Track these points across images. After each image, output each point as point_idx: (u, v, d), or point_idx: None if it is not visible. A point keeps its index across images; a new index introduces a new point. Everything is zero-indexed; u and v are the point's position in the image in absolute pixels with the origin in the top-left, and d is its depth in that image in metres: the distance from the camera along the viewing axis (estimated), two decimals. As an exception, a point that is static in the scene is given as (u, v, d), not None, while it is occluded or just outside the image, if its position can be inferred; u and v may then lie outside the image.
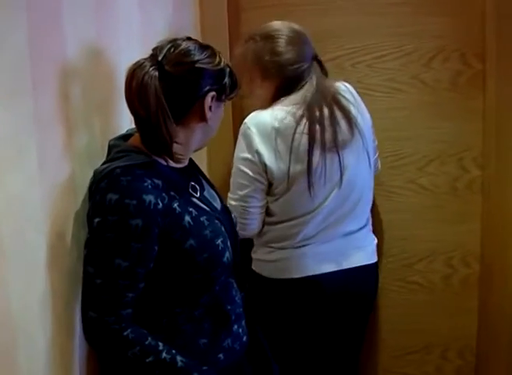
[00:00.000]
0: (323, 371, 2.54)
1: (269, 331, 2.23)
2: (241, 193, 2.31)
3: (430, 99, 2.74)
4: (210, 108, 1.66)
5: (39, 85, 1.44)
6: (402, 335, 2.94)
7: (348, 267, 2.40)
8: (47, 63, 1.49)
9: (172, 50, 1.61)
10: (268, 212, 2.37)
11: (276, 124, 2.24)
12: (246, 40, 2.33)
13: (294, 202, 2.31)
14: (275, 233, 2.38)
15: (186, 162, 1.76)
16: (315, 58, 2.34)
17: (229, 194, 2.35)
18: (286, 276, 2.38)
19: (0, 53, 1.28)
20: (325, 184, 2.28)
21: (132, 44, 2.00)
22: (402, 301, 2.91)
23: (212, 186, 1.90)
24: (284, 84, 2.29)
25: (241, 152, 2.29)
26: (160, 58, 1.60)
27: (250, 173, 2.28)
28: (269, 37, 2.27)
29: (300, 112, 2.24)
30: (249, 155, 2.27)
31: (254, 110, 2.34)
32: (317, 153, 2.24)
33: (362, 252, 2.46)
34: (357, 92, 2.43)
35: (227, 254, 1.68)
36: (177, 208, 1.60)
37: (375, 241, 2.55)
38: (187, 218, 1.61)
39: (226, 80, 1.68)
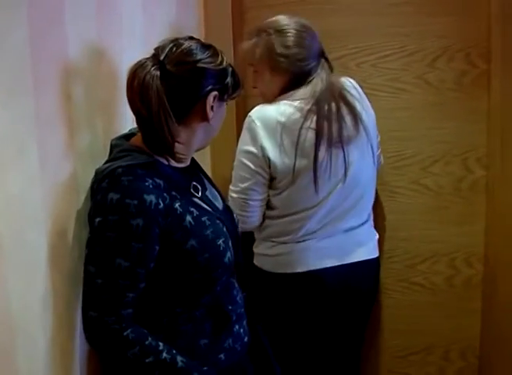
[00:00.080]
0: (324, 367, 2.54)
1: (271, 326, 2.24)
2: (242, 185, 2.31)
3: (434, 99, 2.73)
4: (212, 107, 1.65)
5: (40, 85, 1.44)
6: (404, 336, 2.93)
7: (349, 262, 2.41)
8: (48, 62, 1.49)
9: (174, 49, 1.61)
10: (269, 206, 2.38)
11: (282, 119, 2.24)
12: (256, 33, 2.31)
13: (297, 197, 2.31)
14: (277, 227, 2.38)
15: (188, 162, 1.76)
16: (322, 54, 2.34)
17: (231, 187, 2.36)
18: (287, 271, 2.38)
19: (0, 52, 1.28)
20: (330, 179, 2.28)
21: (134, 44, 1.99)
22: (405, 301, 2.91)
23: (214, 185, 1.89)
24: (293, 78, 2.29)
25: (245, 145, 2.30)
26: (162, 57, 1.59)
27: (252, 166, 2.28)
28: (281, 31, 2.26)
29: (308, 107, 2.24)
30: (252, 149, 2.27)
31: (257, 104, 2.35)
32: (323, 148, 2.24)
33: (363, 247, 2.47)
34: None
35: (228, 254, 1.68)
36: (178, 208, 1.60)
37: (377, 236, 2.56)
38: (188, 218, 1.61)
39: (229, 79, 1.68)
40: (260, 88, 2.39)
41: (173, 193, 1.61)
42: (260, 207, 2.36)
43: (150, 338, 1.57)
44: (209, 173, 2.73)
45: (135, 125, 1.70)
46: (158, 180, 1.59)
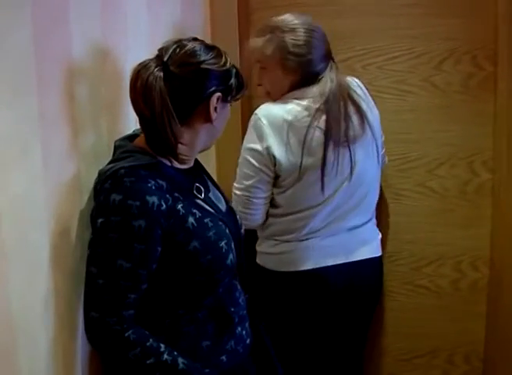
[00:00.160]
0: (327, 368, 2.54)
1: (273, 325, 2.24)
2: (246, 183, 2.31)
3: (441, 102, 2.72)
4: (215, 109, 1.65)
5: (44, 84, 1.43)
6: (409, 339, 2.92)
7: (353, 260, 2.41)
8: (52, 62, 1.49)
9: (177, 50, 1.60)
10: (273, 204, 2.38)
11: (289, 117, 2.24)
12: (268, 30, 2.29)
13: (302, 195, 2.31)
14: (280, 226, 2.38)
15: (191, 163, 1.75)
16: (330, 53, 2.34)
17: (235, 184, 2.36)
18: (290, 269, 2.38)
19: (4, 51, 1.28)
20: (336, 178, 2.29)
21: (139, 43, 1.99)
22: (409, 304, 2.90)
23: (218, 187, 1.89)
24: (303, 77, 2.29)
25: (250, 143, 2.30)
26: (165, 58, 1.59)
27: (256, 164, 2.28)
28: (293, 30, 2.26)
29: (316, 106, 2.24)
30: (258, 147, 2.27)
31: (263, 102, 2.35)
32: (331, 147, 2.24)
33: (367, 246, 2.47)
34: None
35: (231, 256, 1.67)
36: (181, 209, 1.59)
37: (380, 235, 2.56)
38: (191, 219, 1.60)
39: (232, 80, 1.67)
40: (266, 86, 2.38)
41: (176, 194, 1.60)
42: (264, 205, 2.36)
43: (151, 339, 1.56)
44: (214, 174, 2.75)
45: (139, 126, 1.70)
46: (160, 182, 1.58)
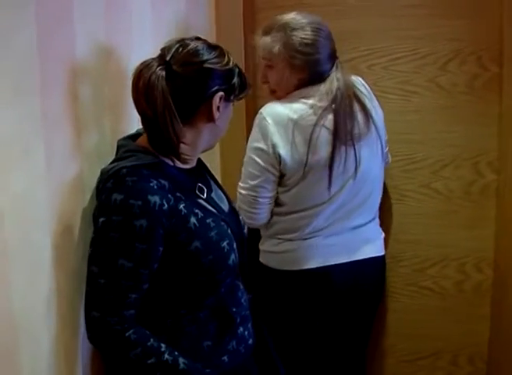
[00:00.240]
0: (330, 367, 2.54)
1: (276, 324, 2.23)
2: (252, 183, 2.31)
3: (445, 102, 2.71)
4: (218, 108, 1.64)
5: (47, 84, 1.44)
6: (412, 340, 2.91)
7: (357, 259, 2.41)
8: (56, 62, 1.49)
9: (180, 50, 1.60)
10: (277, 203, 2.38)
11: (295, 116, 2.24)
12: (275, 29, 2.29)
13: (307, 194, 2.31)
14: (284, 224, 2.38)
15: (193, 163, 1.75)
16: (335, 53, 2.34)
17: (240, 183, 2.36)
18: (293, 268, 2.38)
19: (7, 51, 1.28)
20: (342, 176, 2.29)
21: (144, 43, 1.99)
22: (413, 306, 2.89)
23: (221, 187, 1.89)
24: (310, 76, 2.28)
25: (255, 142, 2.29)
26: (168, 58, 1.58)
27: (262, 163, 2.28)
28: (301, 29, 2.25)
29: (322, 105, 2.24)
30: (263, 146, 2.26)
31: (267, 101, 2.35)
32: (337, 145, 2.25)
33: (371, 245, 2.47)
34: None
35: (233, 256, 1.67)
36: (183, 209, 1.59)
37: (383, 234, 2.56)
38: (193, 219, 1.60)
39: (235, 80, 1.67)
40: (272, 84, 2.38)
41: (178, 194, 1.60)
42: (269, 204, 2.36)
43: (152, 339, 1.56)
44: (218, 173, 2.75)
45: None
46: (162, 181, 1.58)
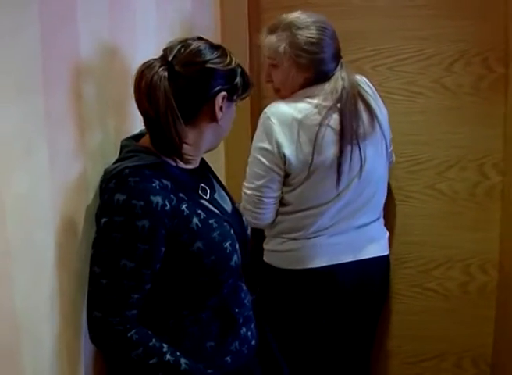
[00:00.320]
0: (334, 368, 2.53)
1: (280, 323, 2.23)
2: (257, 183, 2.31)
3: (451, 104, 2.70)
4: (221, 108, 1.64)
5: (51, 83, 1.43)
6: (416, 342, 2.91)
7: (362, 258, 2.41)
8: (59, 60, 1.48)
9: (182, 50, 1.60)
10: (282, 202, 2.37)
11: (299, 116, 2.24)
12: (280, 28, 2.28)
13: (311, 193, 2.31)
14: (289, 223, 2.38)
15: (197, 164, 1.75)
16: (340, 52, 2.34)
17: (245, 183, 2.35)
18: (297, 267, 2.38)
19: (11, 49, 1.27)
20: (347, 176, 2.28)
21: (148, 43, 1.99)
22: (417, 307, 2.88)
23: (224, 187, 1.88)
24: (315, 75, 2.28)
25: (259, 142, 2.29)
26: (170, 58, 1.58)
27: (267, 163, 2.27)
28: (306, 28, 2.25)
29: (327, 104, 2.24)
30: (267, 145, 2.26)
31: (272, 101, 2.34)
32: (342, 145, 2.24)
33: (375, 244, 2.46)
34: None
35: (235, 257, 1.66)
36: (185, 209, 1.59)
37: (387, 234, 2.56)
38: (195, 220, 1.60)
39: (238, 80, 1.66)
40: (277, 83, 2.37)
41: (180, 194, 1.60)
42: (274, 204, 2.35)
43: (154, 340, 1.56)
44: (223, 173, 2.75)
45: (144, 125, 1.69)
46: (165, 181, 1.58)
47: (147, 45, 1.96)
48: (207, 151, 1.76)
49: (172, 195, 1.57)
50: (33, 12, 1.35)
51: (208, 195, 1.73)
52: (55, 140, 1.46)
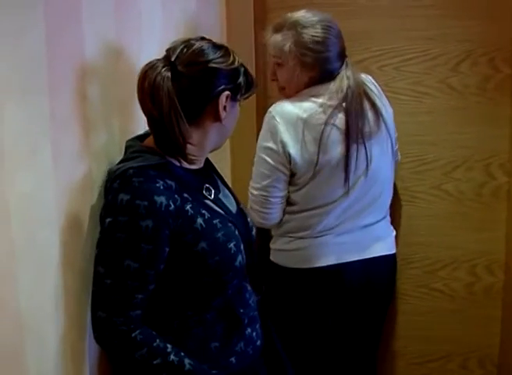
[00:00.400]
0: (340, 368, 2.53)
1: (288, 323, 2.23)
2: (263, 183, 2.31)
3: (457, 104, 2.70)
4: (224, 108, 1.64)
5: (56, 84, 1.43)
6: (422, 342, 2.91)
7: (368, 257, 2.40)
8: (64, 61, 1.48)
9: (185, 50, 1.60)
10: (289, 202, 2.37)
11: (304, 115, 2.23)
12: (286, 26, 2.28)
13: (317, 192, 2.31)
14: (295, 222, 2.38)
15: (201, 164, 1.74)
16: (345, 51, 2.34)
17: (251, 183, 2.36)
18: (304, 266, 2.38)
19: (16, 50, 1.27)
20: (353, 175, 2.28)
21: (153, 43, 1.98)
22: (423, 308, 2.88)
23: (229, 188, 1.88)
24: (320, 74, 2.28)
25: (264, 141, 2.29)
26: (173, 58, 1.58)
27: (272, 163, 2.27)
28: (312, 27, 2.25)
29: (332, 103, 2.24)
30: (272, 145, 2.26)
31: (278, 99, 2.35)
32: (348, 145, 2.24)
33: (381, 242, 2.46)
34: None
35: (240, 258, 1.66)
36: (190, 210, 1.58)
37: (394, 232, 2.56)
38: (200, 220, 1.59)
39: (241, 79, 1.66)
40: (282, 82, 2.37)
41: (185, 195, 1.60)
42: (281, 204, 2.36)
43: (158, 340, 1.56)
44: (229, 173, 2.74)
45: (149, 126, 1.69)
46: (169, 182, 1.57)
47: (152, 46, 1.95)
48: (211, 151, 1.76)
49: (176, 195, 1.56)
50: (38, 13, 1.35)
51: (213, 195, 1.72)
52: (60, 140, 1.46)
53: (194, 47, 1.60)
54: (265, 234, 2.50)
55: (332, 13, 2.38)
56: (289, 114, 2.25)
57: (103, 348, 1.60)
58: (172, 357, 1.55)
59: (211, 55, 1.60)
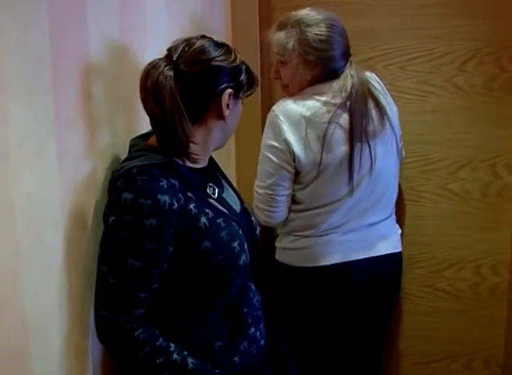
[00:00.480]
0: (345, 367, 2.53)
1: (292, 322, 2.22)
2: (268, 181, 2.31)
3: (463, 103, 2.69)
4: (228, 105, 1.64)
5: (60, 82, 1.43)
6: (427, 342, 2.90)
7: (374, 255, 2.40)
8: (69, 60, 1.48)
9: (186, 49, 1.60)
10: (294, 201, 2.37)
11: (307, 113, 2.23)
12: (289, 24, 2.27)
13: (322, 191, 2.30)
14: (301, 221, 2.37)
15: (205, 163, 1.74)
16: (349, 49, 2.33)
17: (256, 182, 2.36)
18: (309, 265, 2.37)
19: (20, 49, 1.27)
20: (358, 174, 2.28)
21: (158, 42, 1.97)
22: (428, 308, 2.88)
23: (232, 186, 1.88)
24: (323, 72, 2.27)
25: (268, 140, 2.29)
26: (175, 57, 1.58)
27: (276, 161, 2.27)
28: (315, 25, 2.24)
29: (336, 102, 2.23)
30: (276, 144, 2.26)
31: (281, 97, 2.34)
32: (352, 144, 2.24)
33: (387, 241, 2.45)
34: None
35: (243, 257, 1.66)
36: (193, 209, 1.58)
37: (399, 230, 2.55)
38: (203, 219, 1.59)
39: (243, 76, 1.66)
40: (285, 80, 2.37)
41: (188, 194, 1.59)
42: (286, 202, 2.35)
43: (161, 339, 1.56)
44: (234, 172, 2.74)
45: (154, 125, 1.68)
46: (173, 181, 1.57)
47: (157, 45, 1.94)
48: (214, 150, 1.75)
49: (179, 194, 1.56)
50: (42, 11, 1.35)
51: (216, 194, 1.72)
52: (65, 139, 1.46)
53: (196, 45, 1.60)
54: (270, 233, 2.49)
55: (338, 12, 2.38)
56: (293, 112, 2.24)
57: (106, 346, 1.60)
58: (174, 356, 1.55)
59: (213, 53, 1.60)
